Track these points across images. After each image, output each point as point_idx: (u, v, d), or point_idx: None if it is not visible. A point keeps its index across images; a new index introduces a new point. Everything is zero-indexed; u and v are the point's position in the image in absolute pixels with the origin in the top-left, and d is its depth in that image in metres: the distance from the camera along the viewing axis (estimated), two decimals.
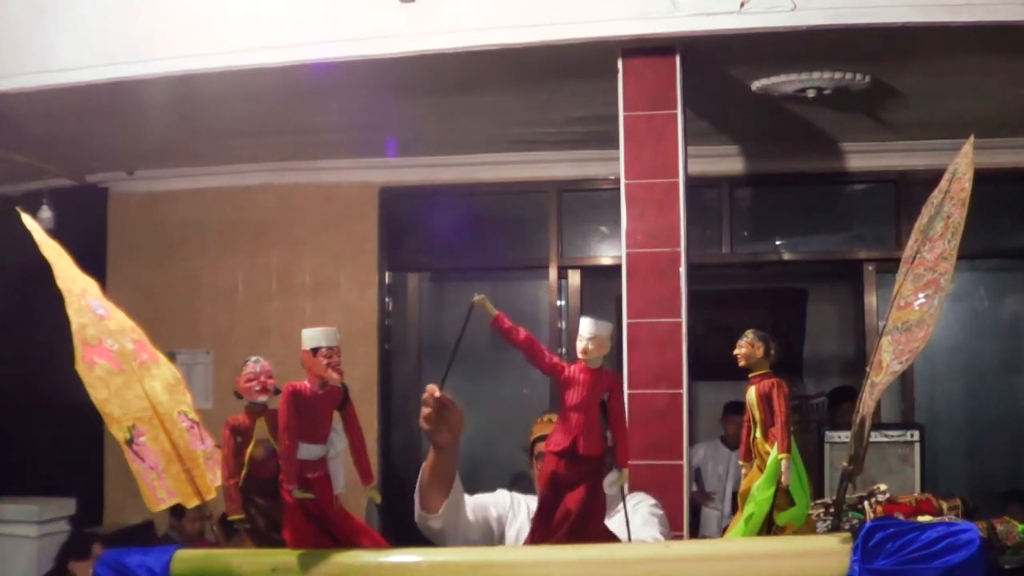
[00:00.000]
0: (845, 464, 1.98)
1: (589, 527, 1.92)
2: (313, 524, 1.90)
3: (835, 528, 2.06)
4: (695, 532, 5.93)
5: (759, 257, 6.63)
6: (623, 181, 4.36)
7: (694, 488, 6.61)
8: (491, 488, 2.99)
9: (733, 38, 4.21)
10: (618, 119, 4.38)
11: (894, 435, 5.32)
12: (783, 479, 1.92)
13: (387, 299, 6.76)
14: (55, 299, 2.24)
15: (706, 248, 6.29)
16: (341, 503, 1.94)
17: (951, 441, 7.23)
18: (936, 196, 1.94)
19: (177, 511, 4.21)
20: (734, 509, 2.60)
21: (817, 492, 4.15)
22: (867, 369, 1.91)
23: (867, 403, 1.89)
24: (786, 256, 6.61)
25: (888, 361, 1.85)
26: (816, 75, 4.70)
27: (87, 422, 2.87)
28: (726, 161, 6.19)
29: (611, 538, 1.99)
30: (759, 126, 5.74)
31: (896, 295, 1.92)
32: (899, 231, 6.15)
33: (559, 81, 4.92)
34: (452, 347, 2.09)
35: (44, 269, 2.28)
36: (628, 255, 4.32)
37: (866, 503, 2.94)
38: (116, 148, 6.24)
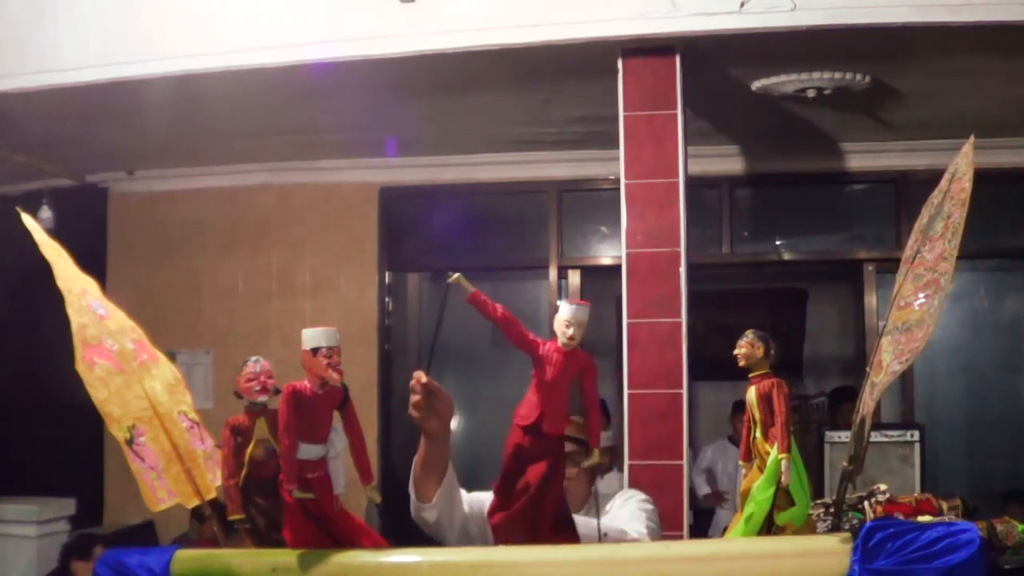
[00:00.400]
0: (845, 464, 1.98)
1: (546, 501, 1.93)
2: (313, 524, 1.89)
3: (835, 528, 2.05)
4: (709, 534, 5.91)
5: (759, 257, 6.63)
6: (623, 181, 4.36)
7: (708, 491, 6.60)
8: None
9: (733, 38, 4.22)
10: (618, 119, 4.39)
11: (894, 435, 5.32)
12: (783, 479, 1.91)
13: (387, 299, 6.76)
14: (55, 299, 2.24)
15: (706, 248, 6.29)
16: (341, 503, 1.94)
17: (951, 441, 7.23)
18: (936, 196, 1.94)
19: (198, 514, 4.17)
20: None
21: (817, 492, 4.14)
22: (867, 369, 1.91)
23: (867, 403, 1.89)
24: (786, 256, 6.61)
25: (888, 361, 1.85)
26: (816, 75, 4.70)
27: (87, 422, 2.86)
28: (726, 161, 6.19)
29: (568, 517, 2.01)
30: (759, 126, 5.74)
31: (896, 295, 1.92)
32: (899, 231, 6.15)
33: (559, 81, 4.92)
34: (447, 343, 2.08)
35: (44, 269, 2.28)
36: (628, 255, 4.32)
37: (866, 503, 2.93)
38: (116, 148, 6.23)
